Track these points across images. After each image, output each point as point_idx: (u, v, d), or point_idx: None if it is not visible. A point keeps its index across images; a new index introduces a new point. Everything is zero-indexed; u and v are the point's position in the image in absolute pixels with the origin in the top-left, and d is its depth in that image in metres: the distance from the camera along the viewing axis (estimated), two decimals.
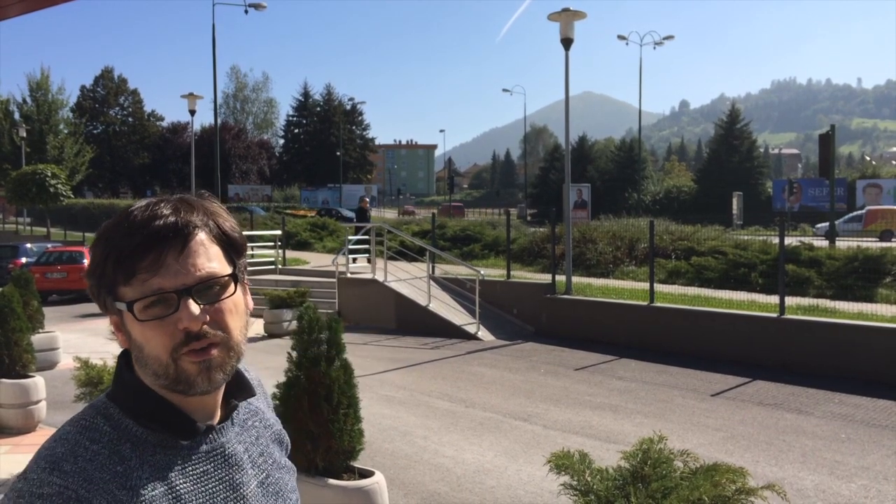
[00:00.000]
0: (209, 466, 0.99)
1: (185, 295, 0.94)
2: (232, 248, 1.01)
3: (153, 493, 0.92)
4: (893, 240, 24.44)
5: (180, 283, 0.94)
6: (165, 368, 0.94)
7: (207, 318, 0.95)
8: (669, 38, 47.81)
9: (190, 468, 0.97)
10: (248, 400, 1.12)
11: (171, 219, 0.95)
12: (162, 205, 0.97)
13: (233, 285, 0.99)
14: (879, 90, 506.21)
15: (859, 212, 33.44)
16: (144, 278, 0.93)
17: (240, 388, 1.08)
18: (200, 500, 0.96)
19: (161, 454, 0.96)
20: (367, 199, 19.99)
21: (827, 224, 30.62)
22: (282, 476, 1.10)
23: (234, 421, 1.06)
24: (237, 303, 1.00)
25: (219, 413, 1.05)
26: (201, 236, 0.97)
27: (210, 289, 0.96)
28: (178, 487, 0.94)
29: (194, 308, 0.94)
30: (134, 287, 0.94)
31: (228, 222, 1.02)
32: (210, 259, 0.97)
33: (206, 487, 0.97)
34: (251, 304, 1.05)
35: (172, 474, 0.95)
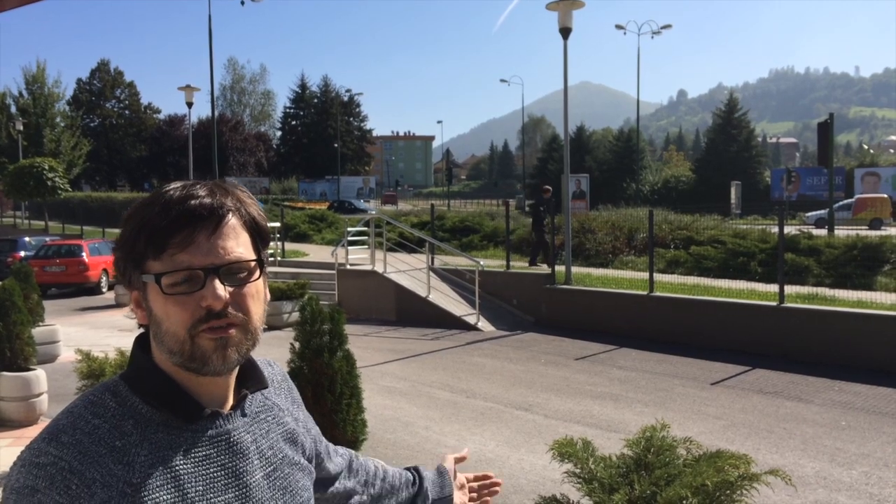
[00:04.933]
0: (212, 451, 0.99)
1: (213, 274, 0.96)
2: (259, 236, 1.04)
3: (150, 470, 0.92)
4: (883, 228, 24.49)
5: (209, 262, 0.96)
6: (182, 344, 0.96)
7: (230, 299, 0.97)
8: (667, 27, 47.67)
9: (192, 451, 0.97)
10: (265, 395, 1.13)
11: (207, 200, 0.97)
12: (198, 186, 0.99)
13: (258, 271, 1.01)
14: (877, 78, 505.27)
15: (848, 200, 33.44)
16: (174, 253, 0.95)
17: (252, 380, 1.08)
18: (200, 483, 0.96)
19: (163, 433, 0.96)
20: (550, 189, 15.80)
21: (817, 212, 30.76)
22: (292, 472, 1.09)
23: (244, 411, 1.06)
24: (259, 289, 1.02)
25: (230, 402, 1.05)
26: (233, 221, 0.99)
27: (236, 272, 0.98)
28: (177, 467, 0.95)
29: (220, 288, 0.96)
30: (163, 261, 0.95)
31: (258, 211, 1.04)
32: (239, 244, 0.99)
33: (207, 471, 0.98)
34: (268, 295, 1.07)
35: (173, 454, 0.95)
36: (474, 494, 1.56)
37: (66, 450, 0.89)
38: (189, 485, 0.95)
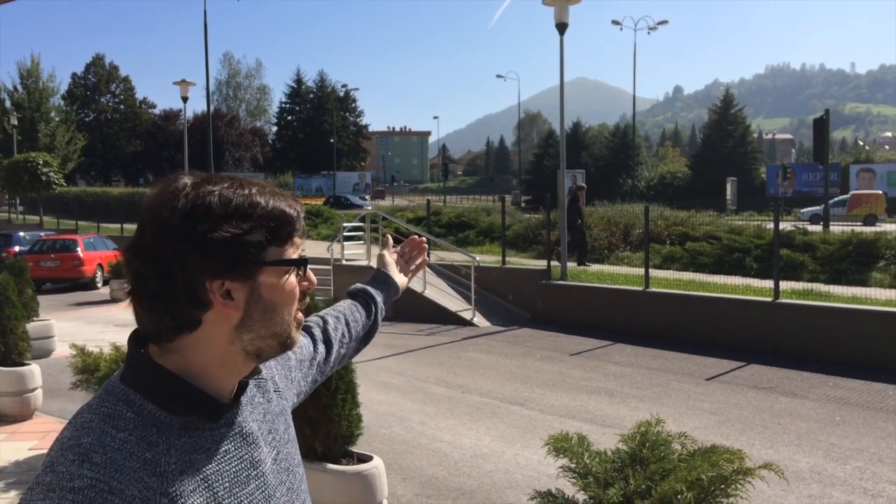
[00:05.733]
0: (230, 446, 1.00)
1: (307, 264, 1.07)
2: None
3: (181, 476, 0.92)
4: (877, 224, 24.60)
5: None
6: (289, 327, 1.02)
7: None
8: (663, 22, 47.72)
9: (213, 449, 0.97)
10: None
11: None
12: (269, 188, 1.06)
13: None
14: (873, 75, 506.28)
15: (843, 196, 33.53)
16: (296, 244, 1.02)
17: None
18: (226, 480, 0.97)
19: (186, 437, 0.96)
20: (584, 187, 15.54)
21: (811, 209, 30.81)
22: (290, 451, 1.11)
23: (242, 400, 1.06)
24: None
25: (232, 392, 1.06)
26: None
27: None
28: (204, 469, 0.95)
29: (312, 274, 1.07)
30: (289, 250, 1.01)
31: None
32: None
33: (230, 467, 0.98)
34: None
35: (198, 456, 0.95)
36: (410, 261, 1.68)
37: (101, 470, 0.86)
38: (217, 484, 0.95)
